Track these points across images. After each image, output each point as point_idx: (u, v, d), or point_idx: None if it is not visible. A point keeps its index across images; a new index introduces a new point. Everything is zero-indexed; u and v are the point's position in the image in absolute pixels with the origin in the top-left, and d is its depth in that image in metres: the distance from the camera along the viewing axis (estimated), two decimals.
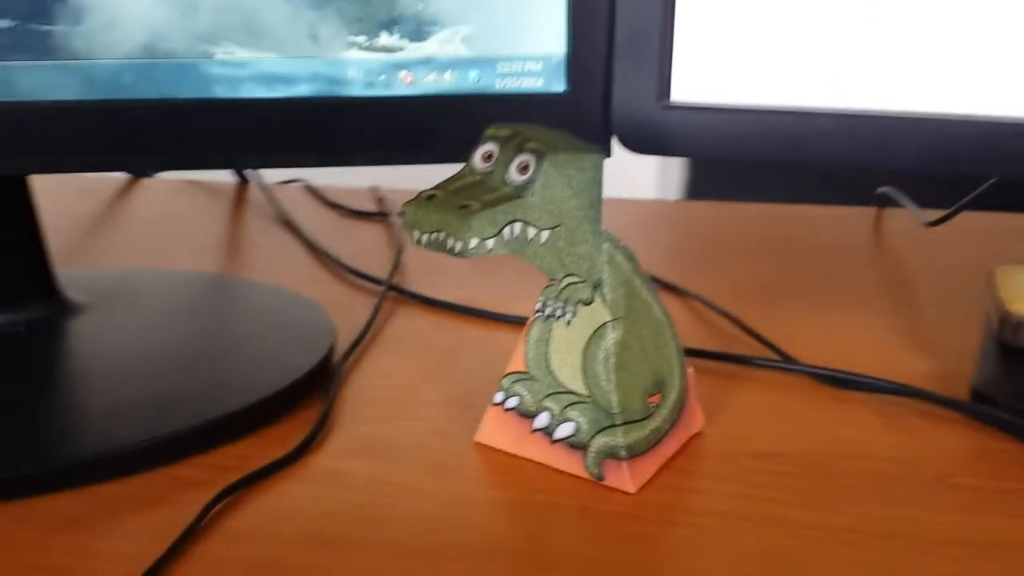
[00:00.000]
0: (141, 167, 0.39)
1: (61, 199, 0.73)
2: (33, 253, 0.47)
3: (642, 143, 0.41)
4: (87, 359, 0.45)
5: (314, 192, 0.76)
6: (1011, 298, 0.44)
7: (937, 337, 0.50)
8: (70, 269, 0.52)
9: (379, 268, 0.59)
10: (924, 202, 0.67)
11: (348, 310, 0.53)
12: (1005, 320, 0.43)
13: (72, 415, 0.40)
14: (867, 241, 0.68)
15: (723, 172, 1.44)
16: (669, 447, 0.39)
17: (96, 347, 0.46)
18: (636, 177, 1.34)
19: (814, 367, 0.46)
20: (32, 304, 0.47)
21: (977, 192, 0.55)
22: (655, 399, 0.39)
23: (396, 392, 0.45)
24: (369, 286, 0.57)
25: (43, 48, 0.38)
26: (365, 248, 0.64)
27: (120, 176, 0.79)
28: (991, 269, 0.48)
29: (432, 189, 0.36)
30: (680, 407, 0.40)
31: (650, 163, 1.43)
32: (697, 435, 0.41)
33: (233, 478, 0.37)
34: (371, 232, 0.68)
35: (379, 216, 0.71)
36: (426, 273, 0.59)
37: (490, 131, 0.36)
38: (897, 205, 0.70)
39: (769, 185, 1.12)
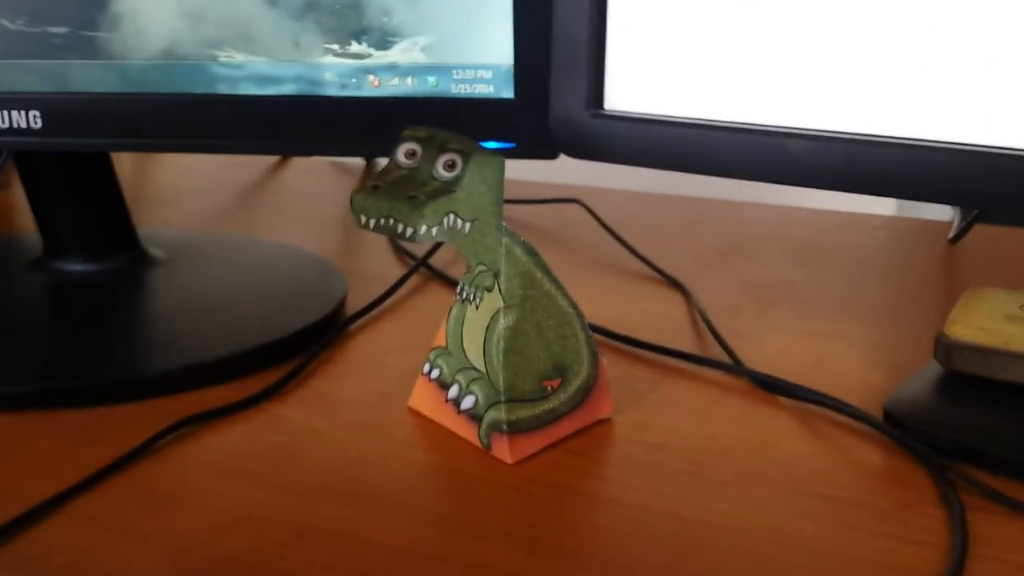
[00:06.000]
0: (159, 149, 0.47)
1: (220, 170, 0.85)
2: (116, 215, 0.57)
3: (575, 148, 0.45)
4: (145, 302, 0.56)
5: None
6: (955, 319, 0.44)
7: (913, 356, 0.49)
8: (152, 228, 0.62)
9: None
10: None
11: (385, 281, 0.59)
12: (939, 341, 0.43)
13: (111, 345, 0.50)
14: (886, 250, 0.67)
15: None
16: (564, 428, 0.43)
17: (156, 293, 0.56)
18: None
19: (753, 371, 0.47)
20: (116, 256, 0.57)
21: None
22: (554, 383, 0.43)
23: (372, 356, 0.51)
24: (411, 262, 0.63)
25: (90, 49, 0.47)
26: None
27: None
28: (971, 288, 0.47)
29: (374, 180, 0.41)
30: (585, 393, 0.43)
31: None
32: (606, 421, 0.44)
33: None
34: None
35: None
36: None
37: (408, 132, 0.42)
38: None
39: None
